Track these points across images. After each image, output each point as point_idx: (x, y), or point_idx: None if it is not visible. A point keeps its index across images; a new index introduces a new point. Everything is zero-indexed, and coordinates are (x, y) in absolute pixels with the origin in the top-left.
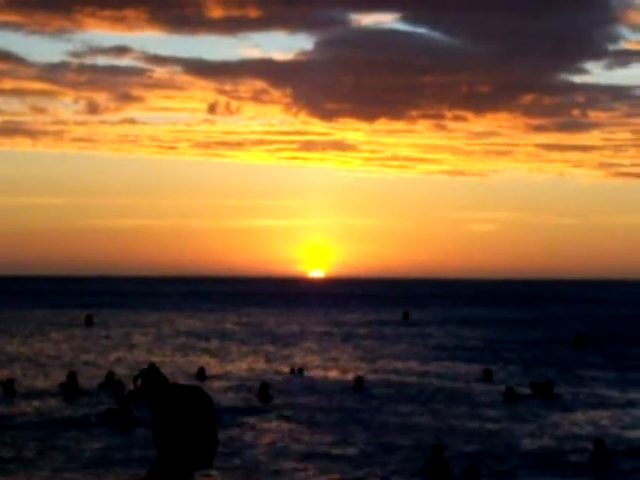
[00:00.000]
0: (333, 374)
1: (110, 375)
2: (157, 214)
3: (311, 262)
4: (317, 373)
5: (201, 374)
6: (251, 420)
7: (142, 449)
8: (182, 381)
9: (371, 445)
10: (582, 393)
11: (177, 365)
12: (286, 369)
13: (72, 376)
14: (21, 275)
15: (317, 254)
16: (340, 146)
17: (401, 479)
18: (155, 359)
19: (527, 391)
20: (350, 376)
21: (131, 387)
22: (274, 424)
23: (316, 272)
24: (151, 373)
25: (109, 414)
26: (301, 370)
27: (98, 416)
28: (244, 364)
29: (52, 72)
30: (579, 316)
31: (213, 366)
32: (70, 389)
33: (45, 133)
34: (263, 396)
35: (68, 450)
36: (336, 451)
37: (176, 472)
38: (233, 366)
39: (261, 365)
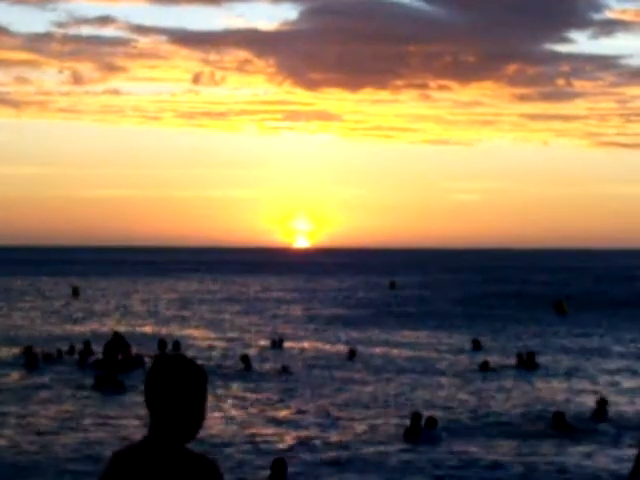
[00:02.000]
0: (320, 345)
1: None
2: (141, 184)
3: (295, 232)
4: (301, 345)
5: (176, 347)
6: (232, 391)
7: (134, 416)
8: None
9: (356, 413)
10: (561, 362)
11: (155, 337)
12: (266, 342)
13: (28, 349)
14: (5, 245)
15: (301, 224)
16: (324, 116)
17: (384, 443)
18: (136, 329)
19: (513, 361)
20: (335, 348)
21: (100, 356)
22: (256, 393)
23: (300, 242)
24: (115, 342)
25: (99, 382)
26: (281, 341)
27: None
28: (223, 335)
29: (36, 42)
30: (562, 284)
31: (190, 338)
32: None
33: (29, 103)
34: (245, 366)
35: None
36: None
37: (168, 442)
38: (210, 338)
39: (239, 336)
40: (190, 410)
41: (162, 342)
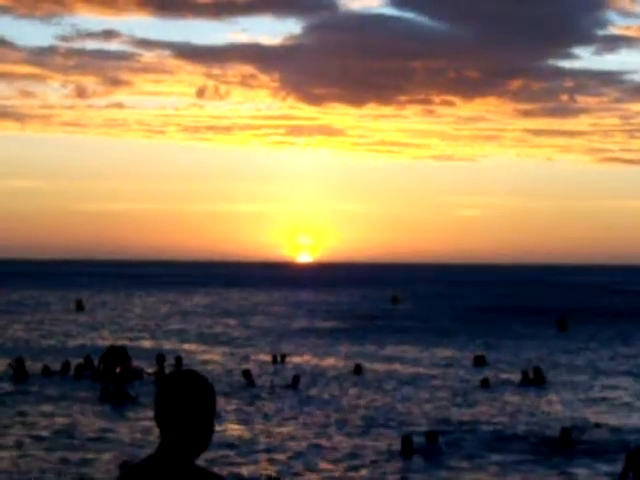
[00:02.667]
0: (325, 362)
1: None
2: (145, 198)
3: (299, 247)
4: (304, 360)
5: (178, 363)
6: (234, 405)
7: (142, 429)
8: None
9: (356, 430)
10: (566, 378)
11: (155, 350)
12: (267, 356)
13: (20, 362)
14: (7, 258)
15: (305, 239)
16: (328, 131)
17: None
18: (137, 343)
19: (517, 377)
20: (340, 363)
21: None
22: (258, 409)
23: (304, 257)
24: (113, 354)
25: (105, 394)
26: (283, 356)
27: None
28: (224, 351)
29: (40, 56)
30: (565, 300)
31: (190, 352)
32: (19, 373)
33: (33, 117)
34: (248, 381)
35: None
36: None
37: (178, 456)
38: (210, 352)
39: (240, 350)
40: (200, 426)
41: (160, 356)
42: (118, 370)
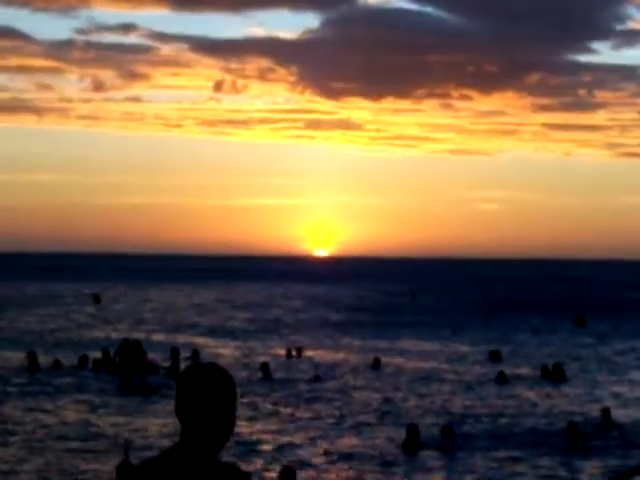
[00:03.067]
0: (339, 356)
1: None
2: (162, 192)
3: (316, 241)
4: (319, 354)
5: (195, 356)
6: (255, 399)
7: (161, 423)
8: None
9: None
10: (583, 374)
11: (171, 344)
12: (283, 351)
13: (32, 355)
14: (25, 252)
15: (322, 233)
16: (346, 125)
17: (382, 454)
18: (155, 338)
19: (535, 373)
20: (358, 357)
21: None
22: (272, 404)
23: (321, 251)
24: (128, 348)
25: (124, 387)
26: (299, 350)
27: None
28: (238, 344)
29: (58, 49)
30: (583, 294)
31: (205, 346)
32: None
33: (51, 110)
34: (265, 374)
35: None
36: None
37: (200, 450)
38: (226, 347)
39: (256, 346)
40: (222, 419)
41: (174, 350)
42: (134, 364)
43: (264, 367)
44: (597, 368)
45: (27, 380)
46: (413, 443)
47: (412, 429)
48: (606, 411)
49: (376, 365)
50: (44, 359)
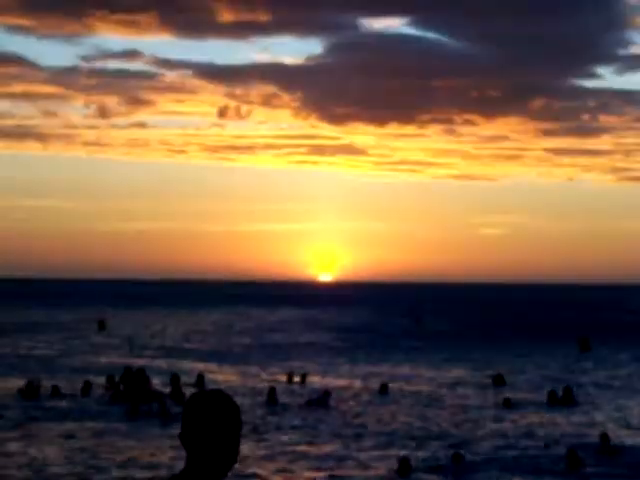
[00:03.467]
0: (340, 382)
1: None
2: (167, 218)
3: (320, 266)
4: (324, 381)
5: (200, 381)
6: (259, 426)
7: (167, 449)
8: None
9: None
10: (589, 399)
11: (178, 370)
12: (291, 376)
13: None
14: (30, 278)
15: (326, 258)
16: (349, 150)
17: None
18: (157, 364)
19: (541, 397)
20: (360, 383)
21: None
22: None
23: (325, 276)
24: (132, 376)
25: (130, 414)
26: (304, 375)
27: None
28: (241, 370)
29: (63, 76)
30: (586, 319)
31: (208, 371)
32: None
33: (55, 137)
34: (270, 399)
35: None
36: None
37: (204, 477)
38: (228, 372)
39: (260, 369)
40: (227, 446)
41: (175, 376)
42: (137, 391)
43: (271, 392)
44: (601, 393)
45: (22, 407)
46: (405, 471)
47: (404, 461)
48: (605, 436)
49: (383, 390)
50: (45, 385)
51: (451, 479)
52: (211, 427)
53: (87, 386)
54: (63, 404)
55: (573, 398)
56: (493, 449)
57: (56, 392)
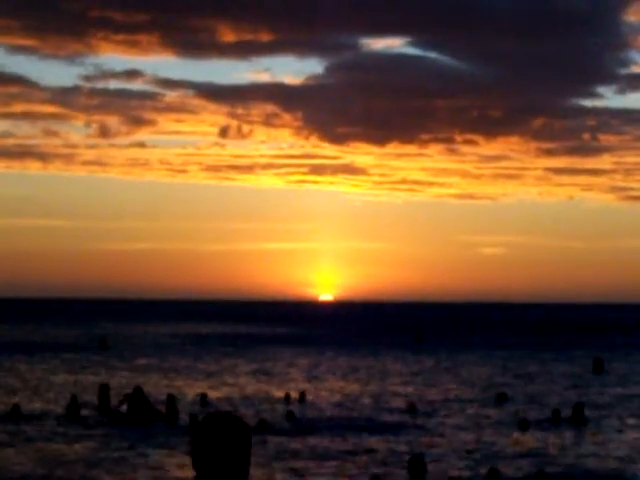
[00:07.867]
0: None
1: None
2: (167, 237)
3: (321, 286)
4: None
5: (203, 401)
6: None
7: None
8: (185, 408)
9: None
10: (603, 418)
11: (180, 391)
12: (295, 394)
13: (74, 400)
14: (31, 297)
15: (327, 277)
16: (350, 170)
17: None
18: (162, 384)
19: (548, 415)
20: (362, 400)
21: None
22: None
23: (326, 295)
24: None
25: (131, 435)
26: (302, 394)
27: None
28: (241, 389)
29: (64, 95)
30: (589, 339)
31: (212, 391)
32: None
33: (56, 156)
34: (289, 417)
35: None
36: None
37: None
38: (232, 392)
39: (261, 390)
40: (238, 468)
41: (170, 397)
42: (136, 411)
43: (290, 414)
44: (612, 413)
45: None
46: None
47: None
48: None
49: (412, 409)
50: (34, 406)
51: None
52: (222, 449)
53: (74, 405)
54: (46, 425)
55: (583, 417)
56: (519, 468)
57: (44, 413)
